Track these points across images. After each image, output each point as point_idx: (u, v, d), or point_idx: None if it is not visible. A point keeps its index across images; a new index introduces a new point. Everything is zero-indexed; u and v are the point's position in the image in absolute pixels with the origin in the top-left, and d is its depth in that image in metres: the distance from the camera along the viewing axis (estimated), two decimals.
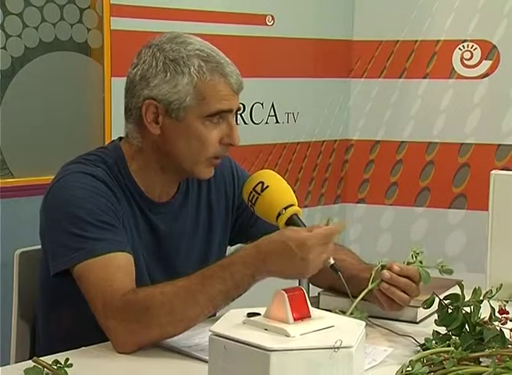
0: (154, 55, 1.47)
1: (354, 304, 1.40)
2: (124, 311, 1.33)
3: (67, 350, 1.32)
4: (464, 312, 1.33)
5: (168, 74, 1.45)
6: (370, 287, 1.44)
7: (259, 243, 1.34)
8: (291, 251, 1.29)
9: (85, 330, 1.39)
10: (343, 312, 1.36)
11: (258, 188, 1.41)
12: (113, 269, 1.37)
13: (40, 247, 1.54)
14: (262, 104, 3.10)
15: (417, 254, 1.44)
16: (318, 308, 1.25)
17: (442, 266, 1.40)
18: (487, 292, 1.34)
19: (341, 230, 1.35)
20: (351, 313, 1.37)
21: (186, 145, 1.47)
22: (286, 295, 1.02)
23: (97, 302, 1.36)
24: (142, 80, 1.47)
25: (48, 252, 1.45)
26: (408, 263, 1.47)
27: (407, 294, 1.47)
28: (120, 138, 1.57)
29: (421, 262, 1.43)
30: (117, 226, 1.43)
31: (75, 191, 1.43)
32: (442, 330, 1.35)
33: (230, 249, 1.70)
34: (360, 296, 1.42)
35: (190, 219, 1.59)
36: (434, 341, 1.31)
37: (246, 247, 1.36)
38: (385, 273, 1.46)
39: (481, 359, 1.20)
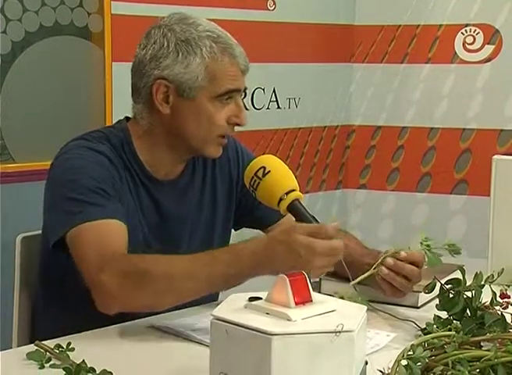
0: (166, 36, 1.48)
1: (352, 283, 1.38)
2: (124, 267, 1.31)
3: (66, 331, 1.32)
4: (465, 296, 1.33)
5: (180, 55, 1.47)
6: (369, 272, 1.44)
7: (269, 241, 1.31)
8: (299, 257, 1.26)
9: (84, 311, 1.37)
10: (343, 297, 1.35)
11: (260, 173, 1.40)
12: (110, 234, 1.37)
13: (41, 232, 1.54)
14: (263, 89, 3.09)
15: (425, 242, 1.43)
16: (320, 293, 1.25)
17: (449, 245, 1.39)
18: (488, 277, 1.34)
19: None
20: (350, 297, 1.37)
21: (195, 124, 1.49)
22: (287, 280, 1.02)
23: (92, 257, 1.33)
24: (152, 61, 1.48)
25: (47, 223, 1.46)
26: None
27: (409, 279, 1.47)
28: (127, 119, 1.57)
29: (428, 246, 1.41)
30: (114, 196, 1.44)
31: (75, 161, 1.45)
32: (444, 314, 1.35)
33: (234, 233, 1.70)
34: (358, 279, 1.41)
35: (195, 200, 1.60)
36: (435, 326, 1.31)
37: (258, 240, 1.34)
38: (389, 259, 1.46)
39: (482, 343, 1.20)
